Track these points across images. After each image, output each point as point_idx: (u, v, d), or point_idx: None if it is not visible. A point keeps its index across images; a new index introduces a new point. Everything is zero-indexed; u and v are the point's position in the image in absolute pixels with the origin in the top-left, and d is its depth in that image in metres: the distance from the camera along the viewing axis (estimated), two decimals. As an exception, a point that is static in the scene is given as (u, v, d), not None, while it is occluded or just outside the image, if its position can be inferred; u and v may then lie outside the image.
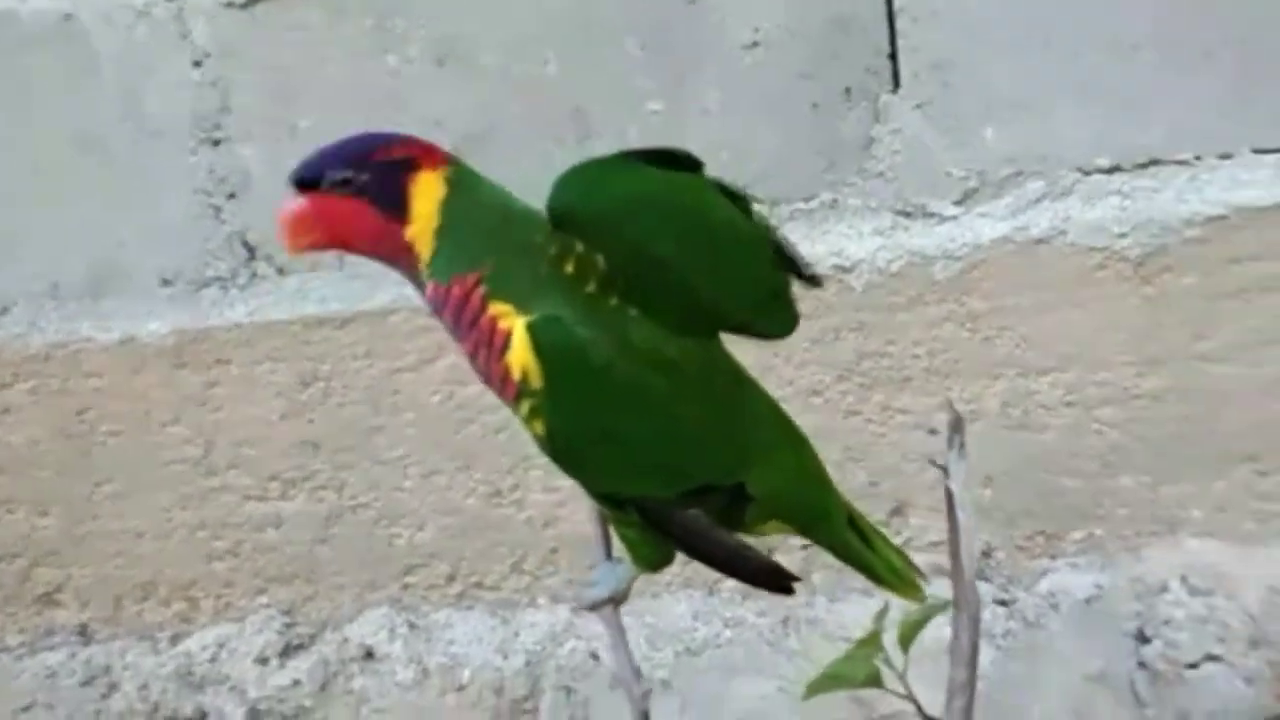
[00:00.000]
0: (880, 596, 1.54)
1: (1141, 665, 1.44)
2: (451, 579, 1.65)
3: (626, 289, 0.89)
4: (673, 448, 0.92)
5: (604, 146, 1.56)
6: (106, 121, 1.68)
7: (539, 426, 0.89)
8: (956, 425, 0.96)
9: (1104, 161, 1.45)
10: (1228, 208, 1.41)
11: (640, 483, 0.93)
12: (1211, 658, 1.42)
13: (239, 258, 1.68)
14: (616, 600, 1.04)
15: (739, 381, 0.97)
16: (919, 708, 0.97)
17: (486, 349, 0.88)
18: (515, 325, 0.87)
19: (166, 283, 1.70)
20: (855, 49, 1.48)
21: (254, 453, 1.68)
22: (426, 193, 0.90)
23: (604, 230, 0.89)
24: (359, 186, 0.90)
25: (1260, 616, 1.41)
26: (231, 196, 1.67)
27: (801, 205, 1.52)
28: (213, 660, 1.68)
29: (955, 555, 0.95)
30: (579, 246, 0.89)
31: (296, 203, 0.92)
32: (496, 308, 0.88)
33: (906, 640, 1.01)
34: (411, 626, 1.64)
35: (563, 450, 0.91)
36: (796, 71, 1.50)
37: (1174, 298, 1.43)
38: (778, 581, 1.00)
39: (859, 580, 1.57)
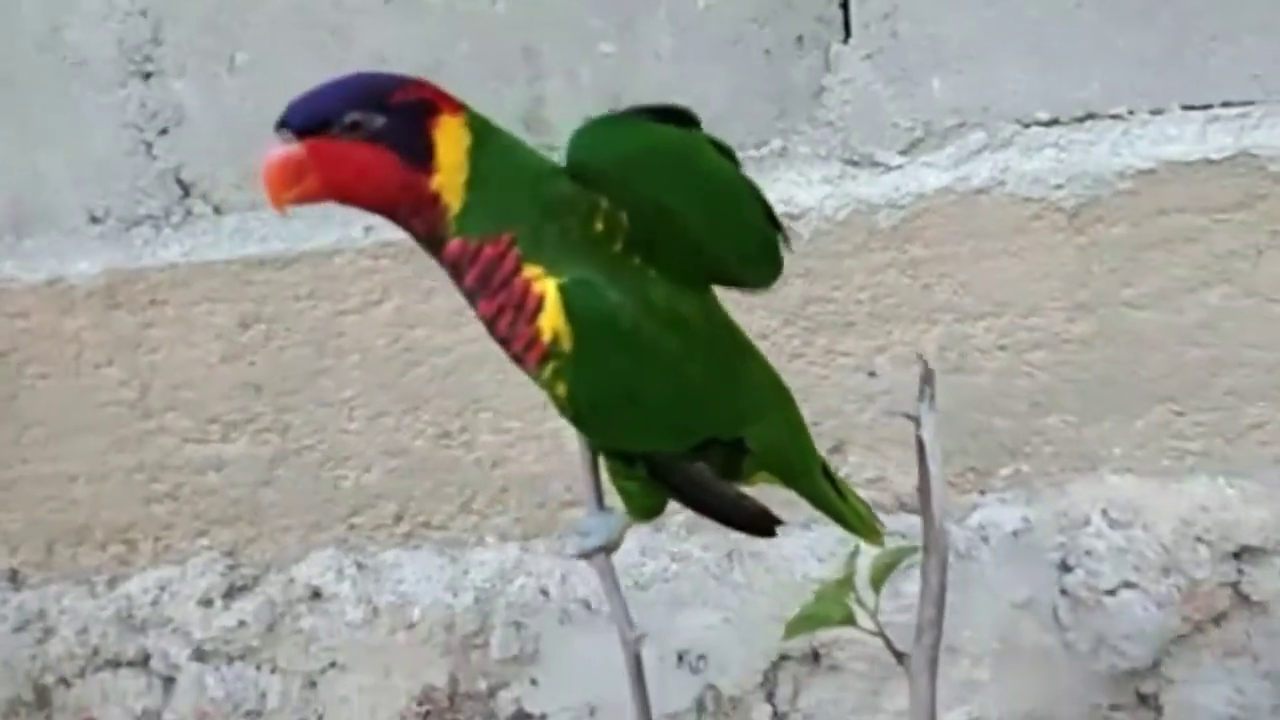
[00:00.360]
0: (816, 530, 1.62)
1: (1064, 593, 1.54)
2: (399, 519, 1.66)
3: (644, 245, 0.90)
4: (685, 405, 0.94)
5: (554, 87, 1.56)
6: (24, 51, 1.60)
7: (560, 388, 0.89)
8: (927, 378, 1.01)
9: (1043, 115, 1.50)
10: (1157, 161, 1.47)
11: (654, 439, 0.95)
12: (1128, 585, 1.51)
13: (172, 195, 1.63)
14: (609, 549, 1.06)
15: (735, 337, 1.00)
16: (889, 643, 1.03)
17: (515, 311, 0.86)
18: (548, 288, 0.86)
19: (95, 221, 1.64)
20: (807, -3, 1.50)
21: (193, 395, 1.65)
22: (452, 140, 0.86)
23: (619, 182, 0.89)
24: (374, 131, 0.84)
25: (1172, 547, 1.51)
26: (164, 132, 1.61)
27: (753, 152, 1.54)
28: (154, 603, 1.67)
29: (925, 501, 1.01)
30: (604, 203, 0.89)
31: (288, 149, 0.84)
32: (529, 270, 0.86)
33: (878, 581, 1.07)
34: (359, 566, 1.65)
35: (585, 411, 0.91)
36: (749, 18, 1.50)
37: (1104, 247, 1.50)
38: (766, 525, 1.05)
39: (797, 515, 1.65)
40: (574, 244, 0.88)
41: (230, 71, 1.58)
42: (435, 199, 0.86)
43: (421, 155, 0.86)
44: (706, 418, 0.96)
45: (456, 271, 0.89)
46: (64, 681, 1.67)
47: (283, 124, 0.86)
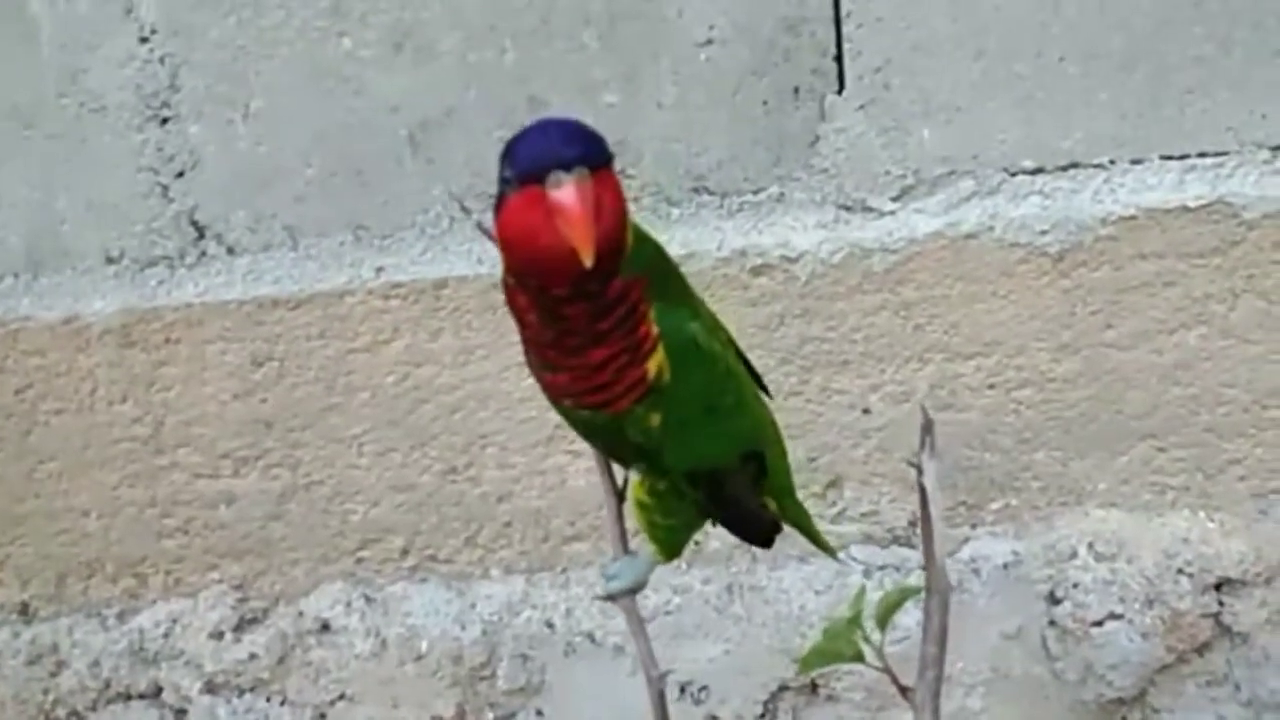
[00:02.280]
0: (814, 564, 1.67)
1: (1052, 623, 1.59)
2: (406, 553, 1.70)
3: None
4: (741, 413, 1.05)
5: (559, 136, 1.62)
6: (45, 95, 1.65)
7: (655, 419, 0.96)
8: (928, 428, 1.07)
9: (1029, 163, 1.56)
10: (1137, 209, 1.53)
11: (721, 448, 1.04)
12: (1114, 616, 1.57)
13: (187, 237, 1.68)
14: (635, 590, 1.11)
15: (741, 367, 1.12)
16: (895, 679, 1.08)
17: (630, 354, 0.92)
18: (656, 327, 0.94)
19: (111, 260, 1.69)
20: (804, 51, 1.56)
21: (205, 431, 1.69)
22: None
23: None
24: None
25: (1155, 578, 1.57)
26: (180, 175, 1.66)
27: (750, 198, 1.60)
28: (166, 636, 1.70)
29: (928, 544, 1.06)
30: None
31: (584, 184, 0.82)
32: (651, 310, 0.93)
33: (883, 620, 1.12)
34: (368, 599, 1.69)
35: (674, 431, 0.98)
36: (748, 70, 1.57)
37: (1088, 290, 1.56)
38: (772, 536, 1.17)
39: (794, 549, 1.70)
40: (666, 287, 0.98)
41: (245, 118, 1.64)
42: (628, 230, 0.92)
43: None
44: (752, 428, 1.07)
45: (599, 310, 0.90)
46: (76, 714, 1.70)
47: (569, 164, 0.83)
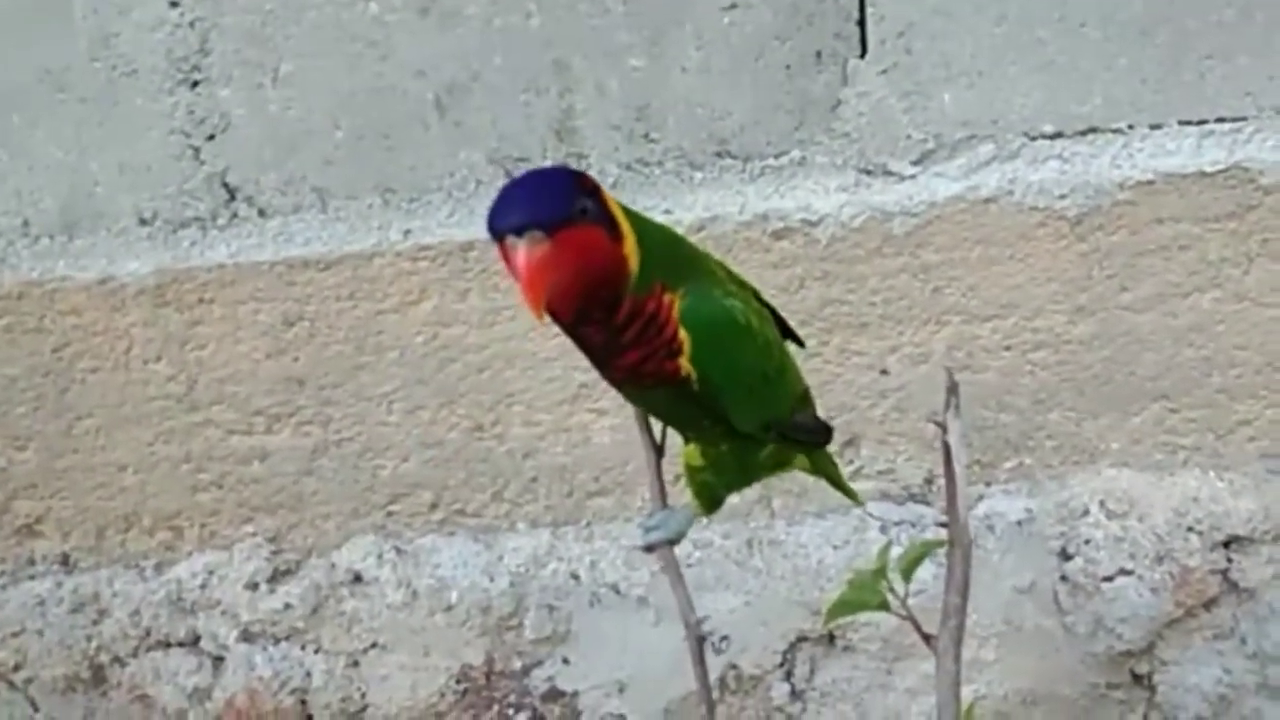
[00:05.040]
0: (831, 519, 1.72)
1: (1064, 579, 1.64)
2: (435, 507, 1.75)
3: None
4: (789, 374, 1.15)
5: (584, 99, 1.64)
6: (78, 59, 1.68)
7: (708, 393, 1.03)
8: (952, 389, 1.10)
9: (1048, 128, 1.58)
10: (1155, 174, 1.56)
11: (780, 407, 1.15)
12: (1124, 572, 1.61)
13: (218, 199, 1.71)
14: (674, 541, 1.16)
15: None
16: (918, 626, 1.12)
17: (668, 347, 0.99)
18: (678, 315, 1.00)
19: (144, 222, 1.72)
20: (826, 15, 1.58)
21: (238, 389, 1.73)
22: (618, 210, 0.97)
23: None
24: (593, 214, 0.92)
25: (1165, 535, 1.61)
26: (210, 138, 1.69)
27: (772, 162, 1.62)
28: (203, 586, 1.75)
29: (951, 500, 1.10)
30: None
31: (540, 246, 0.88)
32: (675, 310, 0.99)
33: (908, 571, 1.15)
34: (398, 552, 1.74)
35: (741, 401, 1.06)
36: (771, 34, 1.58)
37: (1104, 254, 1.59)
38: (830, 433, 1.27)
39: (811, 505, 1.74)
40: (688, 270, 1.04)
41: (274, 82, 1.66)
42: (625, 264, 0.96)
43: (614, 228, 0.95)
44: (796, 378, 1.18)
45: (616, 328, 0.97)
46: (118, 661, 1.76)
47: (521, 229, 0.89)
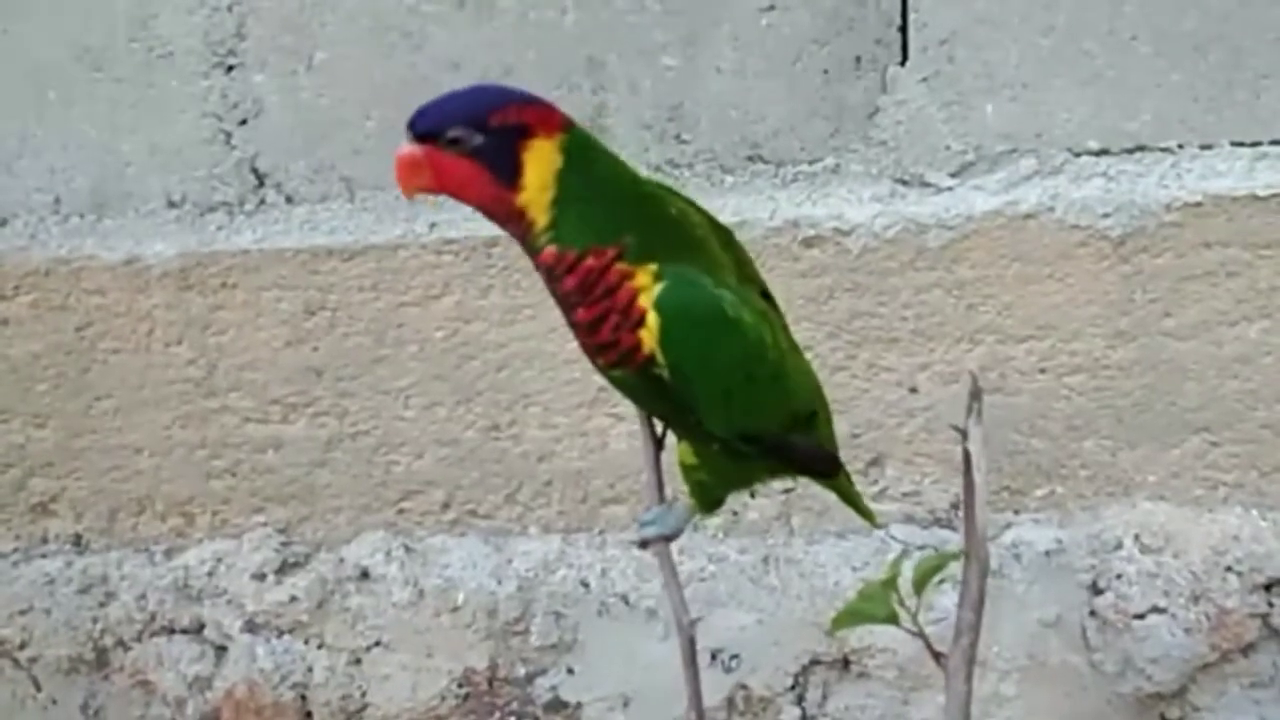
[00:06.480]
0: (851, 539, 1.66)
1: (1093, 614, 1.57)
2: (447, 506, 1.72)
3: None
4: (783, 385, 1.06)
5: (617, 97, 1.62)
6: (115, 40, 1.68)
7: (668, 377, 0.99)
8: (976, 395, 1.05)
9: (1093, 144, 1.53)
10: (1204, 195, 1.50)
11: (766, 417, 1.06)
12: (1157, 610, 1.54)
13: (248, 184, 1.70)
14: (670, 537, 1.12)
15: (790, 337, 1.12)
16: (928, 643, 1.07)
17: (620, 317, 0.96)
18: (647, 294, 0.96)
19: (173, 205, 1.72)
20: (867, 20, 1.54)
21: (256, 377, 1.72)
22: (540, 162, 0.95)
23: None
24: (473, 148, 0.94)
25: (1202, 574, 1.54)
26: (243, 123, 1.69)
27: (806, 168, 1.58)
28: (210, 574, 1.73)
29: (969, 511, 1.05)
30: (711, 219, 1.08)
31: (410, 150, 0.96)
32: (636, 280, 0.96)
33: (921, 584, 1.10)
34: (407, 550, 1.71)
35: (717, 401, 1.01)
36: (810, 38, 1.55)
37: (1148, 277, 1.53)
38: (835, 466, 1.18)
39: (832, 524, 1.69)
40: (684, 252, 1.00)
41: (308, 69, 1.65)
42: (521, 214, 0.96)
43: (510, 174, 0.95)
44: (800, 394, 1.09)
45: (551, 276, 0.98)
46: (122, 644, 1.75)
47: (411, 125, 0.96)
